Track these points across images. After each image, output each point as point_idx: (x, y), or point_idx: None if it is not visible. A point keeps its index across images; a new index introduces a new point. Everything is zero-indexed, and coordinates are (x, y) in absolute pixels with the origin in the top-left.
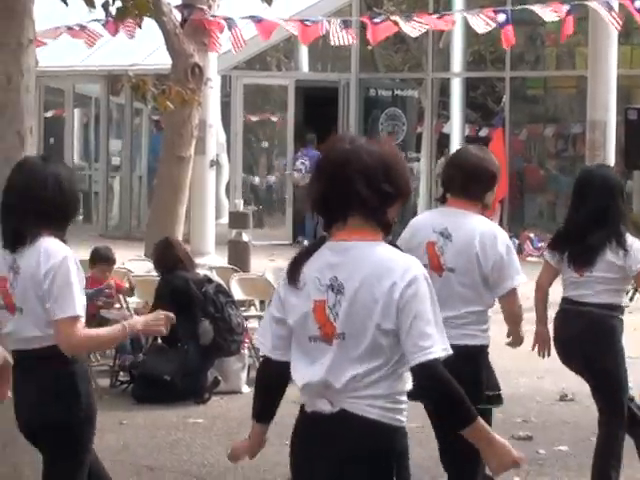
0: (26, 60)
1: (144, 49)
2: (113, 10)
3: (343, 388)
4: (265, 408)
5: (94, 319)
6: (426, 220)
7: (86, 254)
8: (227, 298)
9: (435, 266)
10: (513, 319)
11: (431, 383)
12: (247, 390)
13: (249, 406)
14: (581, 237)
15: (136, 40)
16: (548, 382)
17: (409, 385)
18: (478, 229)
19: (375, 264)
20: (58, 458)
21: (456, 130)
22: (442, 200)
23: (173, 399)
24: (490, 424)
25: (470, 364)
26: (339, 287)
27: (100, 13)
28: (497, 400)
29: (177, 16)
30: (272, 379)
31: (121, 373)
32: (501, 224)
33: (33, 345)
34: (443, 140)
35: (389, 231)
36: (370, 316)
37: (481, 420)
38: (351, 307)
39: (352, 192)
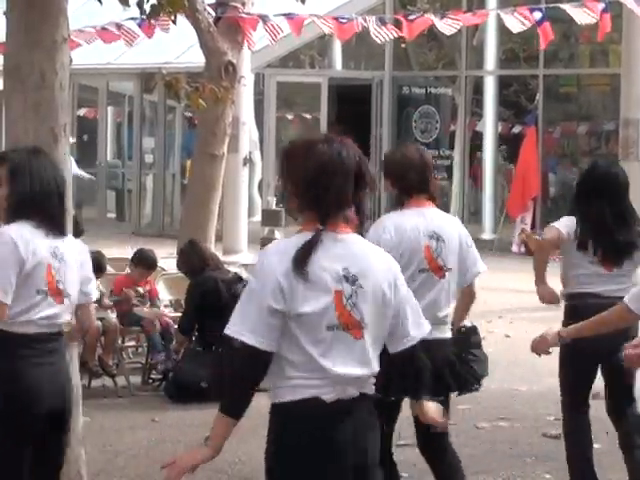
0: (60, 58)
1: (178, 47)
2: (147, 8)
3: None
4: (246, 402)
5: (126, 318)
6: (410, 223)
7: (118, 252)
8: None
9: (435, 269)
10: (470, 306)
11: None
12: None
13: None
14: (610, 234)
15: (170, 38)
16: None
17: None
18: (457, 227)
19: (376, 257)
20: None
21: (489, 128)
22: (401, 203)
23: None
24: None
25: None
26: (353, 278)
27: (134, 11)
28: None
29: (211, 14)
30: (260, 370)
31: (153, 371)
32: (534, 222)
33: None
34: (476, 138)
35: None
36: (386, 305)
37: None
38: (368, 297)
39: (348, 187)
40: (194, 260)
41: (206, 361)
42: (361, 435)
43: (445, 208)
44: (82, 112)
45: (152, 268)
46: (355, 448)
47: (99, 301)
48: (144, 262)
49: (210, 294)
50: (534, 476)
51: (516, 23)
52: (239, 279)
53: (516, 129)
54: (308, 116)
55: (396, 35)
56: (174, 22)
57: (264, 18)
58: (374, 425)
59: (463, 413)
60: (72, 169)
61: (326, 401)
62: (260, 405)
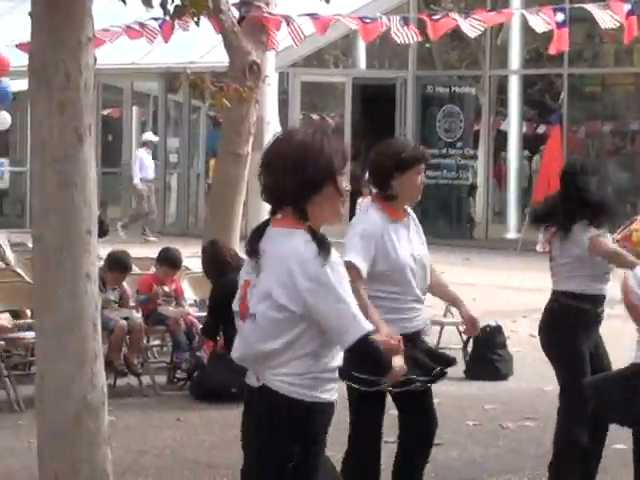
0: (85, 58)
1: (202, 47)
2: (171, 8)
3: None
4: None
5: (151, 317)
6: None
7: (141, 251)
8: None
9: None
10: None
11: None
12: None
13: None
14: None
15: (194, 38)
16: None
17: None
18: None
19: (283, 252)
20: None
21: (513, 127)
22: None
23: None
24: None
25: None
26: (259, 269)
27: (158, 11)
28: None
29: (235, 14)
30: None
31: (178, 370)
32: None
33: None
34: (500, 137)
35: (305, 219)
36: (269, 298)
37: None
38: (257, 289)
39: (276, 182)
40: (215, 260)
41: (233, 365)
42: None
43: (469, 208)
44: (107, 112)
45: (177, 267)
46: None
47: (122, 300)
48: (169, 261)
49: (233, 296)
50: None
51: (540, 22)
52: None
53: (540, 129)
54: (332, 115)
55: (417, 39)
56: (197, 24)
57: (288, 19)
58: None
59: (488, 413)
60: (151, 167)
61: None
62: None
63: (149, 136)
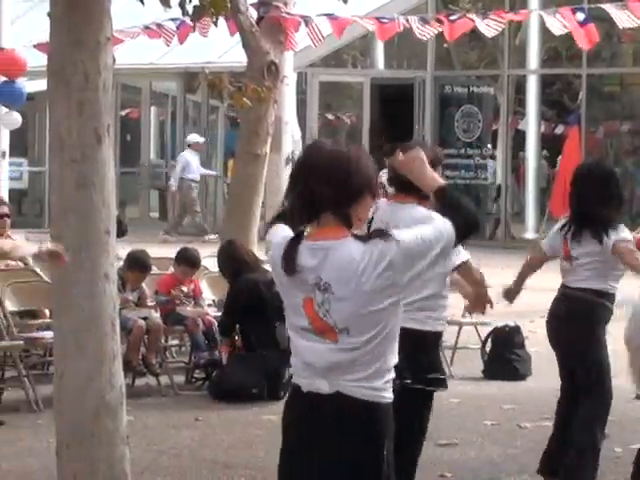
0: (104, 58)
1: (220, 47)
2: (190, 8)
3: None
4: None
5: (170, 317)
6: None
7: (160, 251)
8: None
9: None
10: None
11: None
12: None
13: None
14: None
15: (212, 38)
16: (623, 381)
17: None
18: None
19: (350, 261)
20: None
21: (532, 127)
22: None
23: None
24: (430, 408)
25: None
26: (325, 286)
27: (176, 11)
28: (440, 383)
29: (253, 14)
30: None
31: (197, 370)
32: None
33: None
34: (518, 137)
35: (350, 226)
36: (364, 306)
37: None
38: (341, 303)
39: (316, 192)
40: (232, 260)
41: (252, 365)
42: None
43: (487, 207)
44: (125, 112)
45: (195, 267)
46: None
47: (140, 300)
48: (187, 261)
49: (252, 296)
50: None
51: (558, 25)
52: None
53: (559, 129)
54: (350, 115)
55: (439, 30)
56: (215, 24)
57: (306, 19)
58: None
59: (506, 413)
60: (198, 169)
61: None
62: None
63: (195, 137)
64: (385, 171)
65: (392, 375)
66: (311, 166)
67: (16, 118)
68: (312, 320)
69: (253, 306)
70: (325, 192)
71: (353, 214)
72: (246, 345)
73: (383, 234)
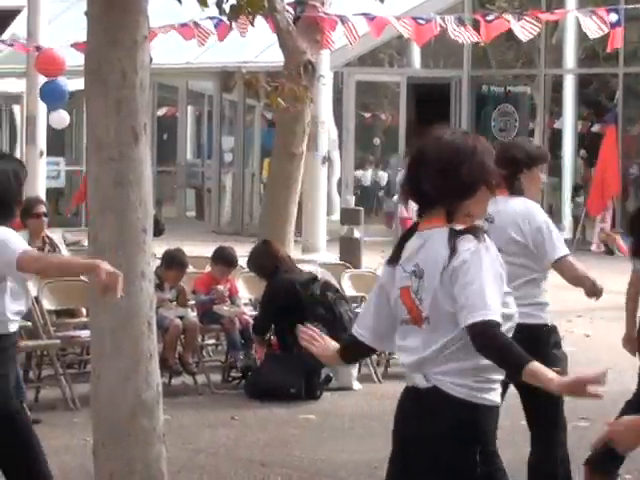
0: (140, 57)
1: (256, 46)
2: (227, 8)
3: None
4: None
5: (206, 316)
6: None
7: (196, 250)
8: (335, 294)
9: None
10: None
11: (480, 341)
12: (358, 387)
13: (360, 403)
14: None
15: (249, 37)
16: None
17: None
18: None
19: (439, 253)
20: None
21: (568, 127)
22: None
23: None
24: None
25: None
26: (420, 273)
27: (213, 10)
28: None
29: (290, 13)
30: None
31: (233, 369)
32: (614, 221)
33: None
34: (555, 136)
35: (451, 220)
36: (445, 298)
37: (535, 363)
38: (430, 291)
39: (426, 183)
40: (266, 260)
41: (290, 365)
42: None
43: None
44: (162, 111)
45: (232, 265)
46: None
47: (179, 299)
48: (224, 259)
49: (288, 296)
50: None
51: (594, 27)
52: (314, 279)
53: (595, 128)
54: (387, 115)
55: (475, 39)
56: (252, 24)
57: (343, 19)
58: None
59: None
60: None
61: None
62: (341, 406)
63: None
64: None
65: (493, 376)
66: (421, 157)
67: (64, 117)
68: (409, 309)
69: (289, 306)
70: (433, 185)
71: (464, 209)
72: (282, 345)
73: (477, 232)
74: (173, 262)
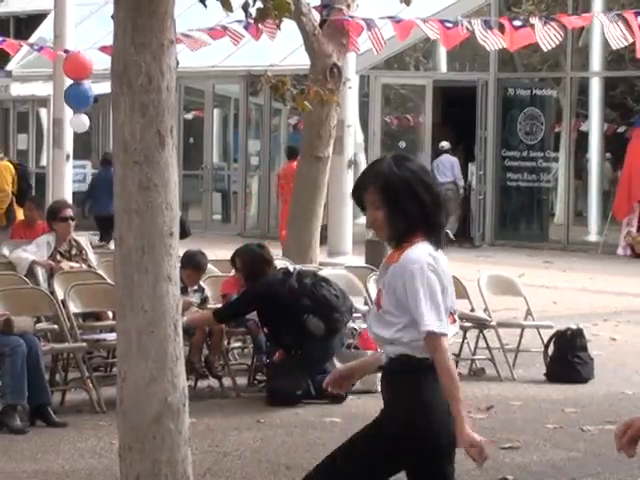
0: (167, 60)
1: (283, 50)
2: (253, 11)
3: None
4: None
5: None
6: None
7: (222, 253)
8: (313, 279)
9: None
10: None
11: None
12: None
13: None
14: None
15: (275, 41)
16: None
17: None
18: None
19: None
20: None
21: (595, 130)
22: None
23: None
24: None
25: None
26: None
27: (239, 14)
28: None
29: (316, 17)
30: None
31: (259, 373)
32: None
33: None
34: (581, 139)
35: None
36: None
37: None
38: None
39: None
40: (259, 265)
41: (290, 368)
42: None
43: (550, 210)
44: (189, 114)
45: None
46: None
47: (204, 304)
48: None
49: (270, 299)
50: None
51: (617, 35)
52: (287, 273)
53: (621, 130)
54: (413, 118)
55: (502, 46)
56: (278, 27)
57: (369, 22)
58: None
59: (569, 416)
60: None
61: None
62: (366, 409)
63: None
64: None
65: None
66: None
67: (84, 121)
68: None
69: (273, 307)
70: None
71: None
72: (284, 349)
73: None
74: (188, 262)
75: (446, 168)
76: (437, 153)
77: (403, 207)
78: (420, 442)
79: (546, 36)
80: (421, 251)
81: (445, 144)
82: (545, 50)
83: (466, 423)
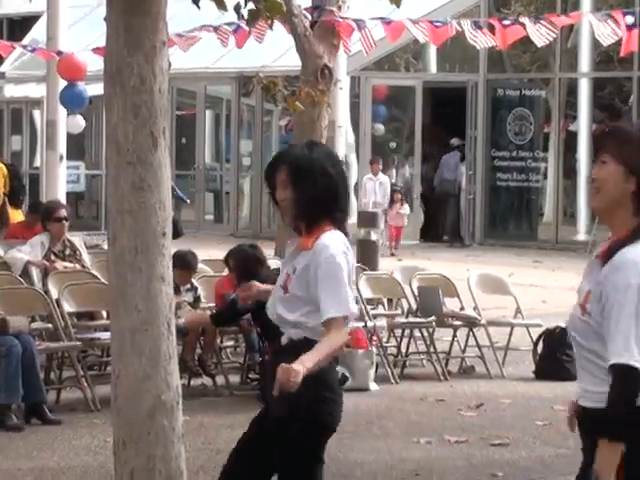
0: (159, 62)
1: (274, 51)
2: (245, 12)
3: None
4: None
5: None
6: None
7: (215, 253)
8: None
9: None
10: None
11: None
12: (375, 387)
13: (377, 403)
14: None
15: (266, 42)
16: None
17: None
18: None
19: None
20: None
21: (583, 130)
22: None
23: None
24: None
25: None
26: None
27: (231, 16)
28: None
29: (307, 18)
30: None
31: (252, 371)
32: None
33: None
34: (570, 139)
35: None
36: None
37: None
38: None
39: None
40: (252, 265)
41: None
42: None
43: (540, 210)
44: (180, 115)
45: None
46: None
47: (196, 303)
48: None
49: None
50: None
51: (607, 31)
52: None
53: None
54: (403, 119)
55: (492, 44)
56: (271, 27)
57: (360, 24)
58: None
59: (558, 413)
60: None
61: None
62: (357, 407)
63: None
64: (370, 176)
65: None
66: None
67: (80, 122)
68: None
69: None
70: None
71: None
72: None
73: None
74: (177, 261)
75: (450, 165)
76: (447, 150)
77: (310, 187)
78: (310, 425)
79: (538, 33)
80: (336, 239)
81: (455, 140)
82: (539, 46)
83: (300, 364)
